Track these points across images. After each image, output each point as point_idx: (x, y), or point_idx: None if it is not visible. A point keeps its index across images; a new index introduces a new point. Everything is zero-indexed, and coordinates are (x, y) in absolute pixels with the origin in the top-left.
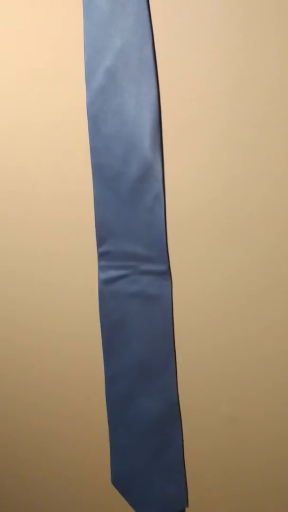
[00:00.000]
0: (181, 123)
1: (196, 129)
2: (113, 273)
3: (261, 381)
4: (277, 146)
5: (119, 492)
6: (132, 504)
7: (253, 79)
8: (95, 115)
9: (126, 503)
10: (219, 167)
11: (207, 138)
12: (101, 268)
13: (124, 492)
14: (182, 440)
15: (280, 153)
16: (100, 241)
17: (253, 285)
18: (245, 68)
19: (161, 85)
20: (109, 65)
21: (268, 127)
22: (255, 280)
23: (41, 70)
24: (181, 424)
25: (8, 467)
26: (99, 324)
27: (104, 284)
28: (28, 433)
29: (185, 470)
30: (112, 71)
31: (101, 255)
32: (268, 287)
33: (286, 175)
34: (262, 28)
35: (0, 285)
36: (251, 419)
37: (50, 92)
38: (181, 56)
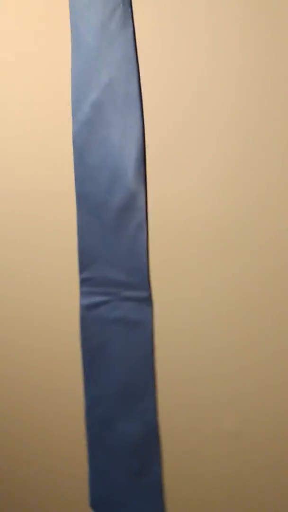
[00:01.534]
0: (165, 156)
1: (179, 161)
2: (94, 299)
3: (242, 405)
4: (261, 179)
5: None
6: None
7: (235, 113)
8: (81, 146)
9: None
10: (201, 197)
11: (190, 170)
12: (82, 294)
13: None
14: (161, 462)
15: (263, 186)
16: (82, 267)
17: (233, 311)
18: (227, 102)
19: (146, 118)
20: (96, 99)
21: (251, 161)
22: (234, 306)
23: (27, 103)
24: (160, 447)
25: None
26: (79, 348)
27: (86, 309)
28: (5, 459)
29: (163, 491)
30: (99, 105)
31: (83, 281)
32: (245, 311)
33: (269, 205)
34: (245, 67)
35: None
36: (232, 440)
37: (36, 123)
38: (166, 91)
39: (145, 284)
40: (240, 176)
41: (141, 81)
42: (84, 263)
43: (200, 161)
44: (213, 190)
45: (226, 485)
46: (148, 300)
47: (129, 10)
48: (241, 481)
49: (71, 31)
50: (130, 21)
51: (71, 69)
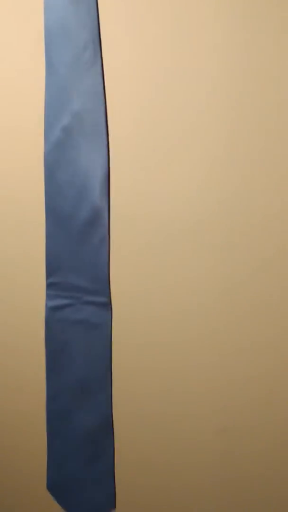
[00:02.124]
0: (127, 177)
1: (142, 181)
2: (59, 301)
3: (192, 398)
4: (227, 190)
5: (53, 496)
6: (65, 507)
7: (198, 143)
8: (51, 164)
9: (59, 507)
10: (161, 215)
11: (152, 190)
12: (48, 296)
13: (57, 497)
14: (113, 450)
15: (228, 198)
16: (49, 272)
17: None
18: (194, 135)
19: (111, 144)
20: (67, 124)
21: (220, 177)
22: (181, 312)
23: (4, 125)
24: (113, 436)
25: None
26: (43, 346)
27: (51, 310)
28: None
29: (114, 477)
30: (69, 129)
31: (49, 285)
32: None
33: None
34: (224, 90)
35: None
36: (180, 430)
37: (11, 144)
38: (130, 119)
39: (106, 290)
40: (202, 190)
41: (108, 111)
42: (51, 269)
43: (162, 182)
44: (173, 210)
45: (174, 471)
46: (108, 305)
47: (99, 48)
48: (192, 465)
49: (46, 62)
50: (99, 58)
51: (45, 95)
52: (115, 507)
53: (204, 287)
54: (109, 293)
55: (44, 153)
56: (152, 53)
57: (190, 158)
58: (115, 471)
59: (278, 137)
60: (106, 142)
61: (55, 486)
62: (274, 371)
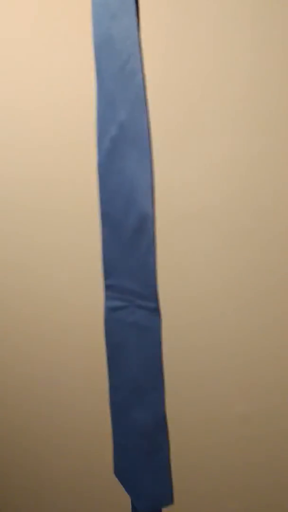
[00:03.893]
0: (171, 185)
1: (184, 190)
2: (116, 303)
3: (236, 399)
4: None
5: (120, 481)
6: (129, 493)
7: (237, 149)
8: (103, 173)
9: (126, 494)
10: (205, 223)
11: (195, 198)
12: (107, 297)
13: (123, 483)
14: (168, 449)
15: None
16: (106, 275)
17: (231, 311)
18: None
19: (155, 153)
20: (114, 134)
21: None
22: (231, 306)
23: (67, 139)
24: (167, 435)
25: (27, 467)
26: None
27: (109, 311)
28: (51, 433)
29: (171, 473)
30: (116, 139)
31: (107, 287)
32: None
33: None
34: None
35: (25, 301)
36: (231, 427)
37: (70, 157)
38: (172, 127)
39: (154, 297)
40: (242, 199)
41: (150, 119)
42: (107, 272)
43: (206, 189)
44: (218, 221)
45: (229, 466)
46: (156, 311)
47: (140, 58)
48: (245, 463)
49: (96, 75)
50: (141, 68)
51: (96, 109)
52: (172, 502)
53: (248, 290)
54: (157, 299)
55: (97, 163)
56: (190, 62)
57: (234, 163)
58: (172, 466)
59: None
60: (149, 151)
61: (120, 472)
62: None
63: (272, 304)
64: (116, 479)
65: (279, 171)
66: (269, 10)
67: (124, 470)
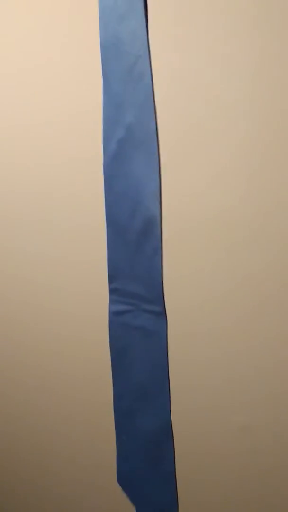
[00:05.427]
0: (178, 190)
1: (192, 193)
2: (120, 307)
3: (241, 406)
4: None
5: (122, 489)
6: (133, 501)
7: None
8: (109, 176)
9: (128, 502)
10: (212, 228)
11: (203, 202)
12: (111, 301)
13: (126, 490)
14: (174, 455)
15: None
16: (111, 278)
17: (233, 319)
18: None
19: (162, 155)
20: (121, 137)
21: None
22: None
23: (74, 142)
24: (173, 442)
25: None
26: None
27: (113, 315)
28: (57, 443)
29: (176, 478)
30: (123, 142)
31: (111, 291)
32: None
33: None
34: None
35: (28, 305)
36: (235, 436)
37: (76, 158)
38: (180, 130)
39: (160, 300)
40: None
41: (158, 121)
42: (112, 275)
43: (214, 193)
44: (229, 224)
45: (233, 476)
46: (162, 314)
47: (148, 61)
48: (245, 472)
49: (102, 77)
50: (149, 71)
51: (102, 110)
52: (177, 510)
53: (256, 296)
54: (163, 303)
55: (103, 166)
56: (198, 64)
57: (244, 168)
58: (177, 473)
59: None
60: (157, 154)
61: (123, 480)
62: None
63: (281, 313)
64: (119, 486)
65: None
66: (276, 14)
67: (128, 477)
